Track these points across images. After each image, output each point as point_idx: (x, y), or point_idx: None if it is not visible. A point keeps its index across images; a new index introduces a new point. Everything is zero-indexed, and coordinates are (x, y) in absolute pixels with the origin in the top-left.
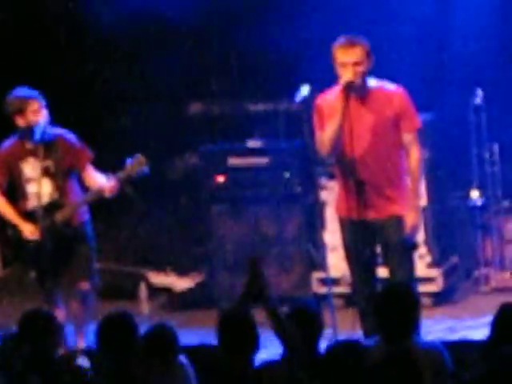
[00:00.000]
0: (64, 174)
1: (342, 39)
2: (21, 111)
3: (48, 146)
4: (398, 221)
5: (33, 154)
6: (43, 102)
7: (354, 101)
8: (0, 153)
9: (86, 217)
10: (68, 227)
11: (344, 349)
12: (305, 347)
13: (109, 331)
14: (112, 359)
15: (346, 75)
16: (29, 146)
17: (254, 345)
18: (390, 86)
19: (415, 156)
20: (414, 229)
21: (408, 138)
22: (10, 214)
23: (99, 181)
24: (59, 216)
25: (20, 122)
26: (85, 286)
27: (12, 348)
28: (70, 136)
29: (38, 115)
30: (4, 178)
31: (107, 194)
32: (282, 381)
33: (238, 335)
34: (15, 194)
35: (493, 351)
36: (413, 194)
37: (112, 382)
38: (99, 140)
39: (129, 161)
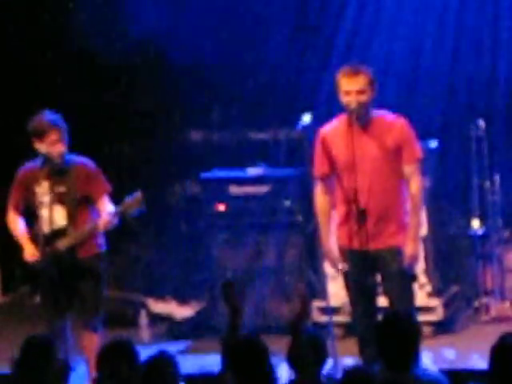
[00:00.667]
0: (77, 201)
1: (345, 67)
2: (40, 136)
3: (64, 173)
4: (398, 251)
5: (47, 178)
6: (65, 134)
7: (356, 129)
8: (20, 173)
9: (100, 248)
10: (71, 256)
11: (359, 375)
12: (309, 374)
13: (109, 358)
14: None
15: (350, 102)
16: (44, 170)
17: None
18: (391, 116)
19: (416, 186)
20: (413, 259)
21: (409, 168)
22: (18, 235)
23: (103, 215)
24: (62, 244)
25: (37, 146)
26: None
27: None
28: (91, 164)
29: (56, 147)
30: (20, 199)
31: (101, 229)
32: None
33: (249, 364)
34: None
35: (492, 382)
36: (412, 223)
37: None
38: (99, 167)
39: (127, 198)
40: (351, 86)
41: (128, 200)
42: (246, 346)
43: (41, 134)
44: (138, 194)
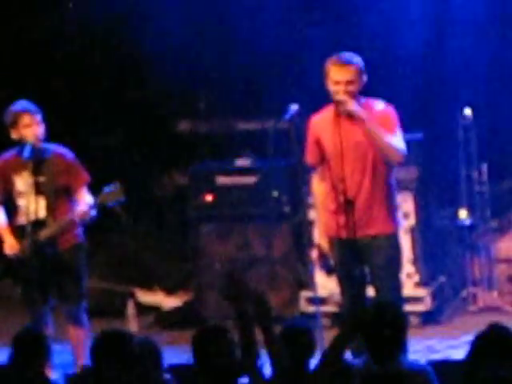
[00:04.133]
0: (56, 192)
1: (336, 57)
2: (14, 124)
3: (42, 163)
4: (385, 239)
5: (26, 168)
6: (38, 117)
7: (344, 119)
8: None
9: (79, 240)
10: (52, 247)
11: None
12: (293, 367)
13: (105, 348)
14: (109, 376)
15: (338, 94)
16: (23, 160)
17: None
18: (379, 105)
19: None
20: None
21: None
22: None
23: (80, 206)
24: (42, 234)
25: (14, 135)
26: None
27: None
28: (69, 155)
29: (29, 130)
30: (0, 190)
31: (78, 220)
32: None
33: (211, 353)
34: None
35: (473, 371)
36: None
37: None
38: (87, 158)
39: (106, 189)
40: (341, 76)
41: (106, 191)
42: (208, 335)
43: (14, 122)
44: (117, 185)
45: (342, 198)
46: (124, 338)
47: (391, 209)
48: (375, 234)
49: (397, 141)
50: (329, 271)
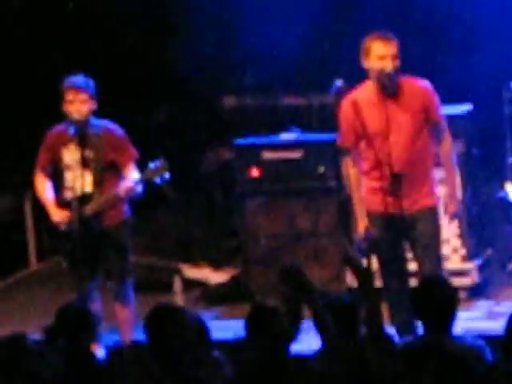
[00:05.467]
0: (104, 167)
1: (376, 33)
2: (62, 98)
3: (90, 138)
4: (430, 212)
5: (74, 142)
6: (84, 95)
7: (387, 97)
8: (47, 136)
9: (125, 215)
10: (98, 222)
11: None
12: (341, 340)
13: (158, 323)
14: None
15: (387, 66)
16: (72, 134)
17: (285, 335)
18: (416, 80)
19: (447, 144)
20: (456, 213)
21: (437, 127)
22: (45, 198)
23: (126, 182)
24: (88, 209)
25: (63, 108)
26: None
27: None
28: (118, 131)
29: (72, 106)
30: (48, 162)
31: (123, 195)
32: (318, 374)
33: (266, 327)
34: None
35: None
36: (449, 181)
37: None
38: (134, 133)
39: (151, 165)
40: (386, 51)
41: (151, 167)
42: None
43: (61, 95)
44: (162, 161)
45: (389, 175)
46: (178, 312)
47: (432, 182)
48: (421, 207)
49: (446, 137)
50: (365, 255)
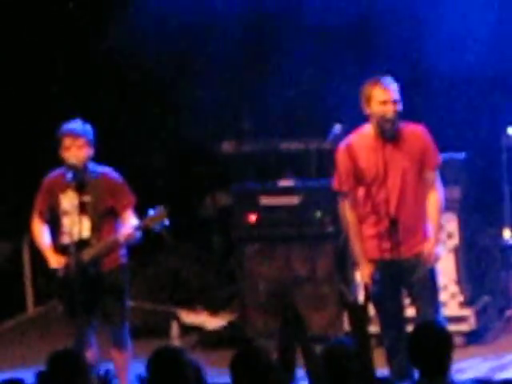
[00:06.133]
0: (101, 213)
1: (375, 79)
2: (59, 144)
3: (87, 183)
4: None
5: (72, 187)
6: (81, 140)
7: (386, 142)
8: (45, 181)
9: (122, 260)
10: (95, 267)
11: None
12: None
13: (161, 366)
14: None
15: (388, 112)
16: (70, 179)
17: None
18: (411, 125)
19: (439, 192)
20: (431, 257)
21: (431, 175)
22: (42, 244)
23: (125, 228)
24: (86, 255)
25: (60, 154)
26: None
27: None
28: (116, 176)
29: (68, 152)
30: (45, 208)
31: (122, 242)
32: None
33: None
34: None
35: None
36: (436, 227)
37: None
38: (132, 179)
39: (150, 212)
40: (387, 96)
41: (151, 214)
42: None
43: (59, 141)
44: (161, 208)
45: (386, 220)
46: (181, 353)
47: (428, 227)
48: (418, 251)
49: (437, 187)
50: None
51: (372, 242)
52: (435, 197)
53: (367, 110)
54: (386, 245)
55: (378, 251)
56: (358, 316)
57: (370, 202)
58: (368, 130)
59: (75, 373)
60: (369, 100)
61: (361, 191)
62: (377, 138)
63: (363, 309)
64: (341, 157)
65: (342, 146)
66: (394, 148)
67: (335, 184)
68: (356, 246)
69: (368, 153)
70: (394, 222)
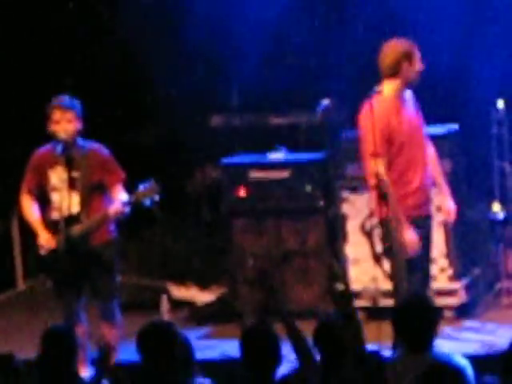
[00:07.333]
0: (91, 188)
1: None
2: (48, 118)
3: (76, 158)
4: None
5: (61, 163)
6: (70, 114)
7: (404, 100)
8: (33, 157)
9: (112, 235)
10: (84, 243)
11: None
12: (322, 362)
13: (151, 341)
14: (155, 369)
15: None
16: (59, 154)
17: (276, 359)
18: None
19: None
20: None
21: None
22: (32, 220)
23: (115, 203)
24: (75, 230)
25: (49, 128)
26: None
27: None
28: (104, 151)
29: (58, 126)
30: (34, 184)
31: (111, 217)
32: None
33: (261, 350)
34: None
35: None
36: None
37: None
38: (121, 154)
39: (140, 186)
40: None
41: (141, 189)
42: (255, 334)
43: (48, 115)
44: (152, 183)
45: (418, 178)
46: (172, 327)
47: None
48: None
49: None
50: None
51: (414, 199)
52: (433, 151)
53: (411, 69)
54: (421, 200)
55: (418, 208)
56: (343, 298)
57: (405, 161)
58: (389, 92)
59: (68, 350)
60: (411, 58)
61: (393, 151)
62: (398, 98)
63: (346, 291)
64: (367, 123)
65: (369, 107)
66: (411, 108)
67: (368, 147)
68: (394, 206)
69: (396, 112)
70: (421, 180)
